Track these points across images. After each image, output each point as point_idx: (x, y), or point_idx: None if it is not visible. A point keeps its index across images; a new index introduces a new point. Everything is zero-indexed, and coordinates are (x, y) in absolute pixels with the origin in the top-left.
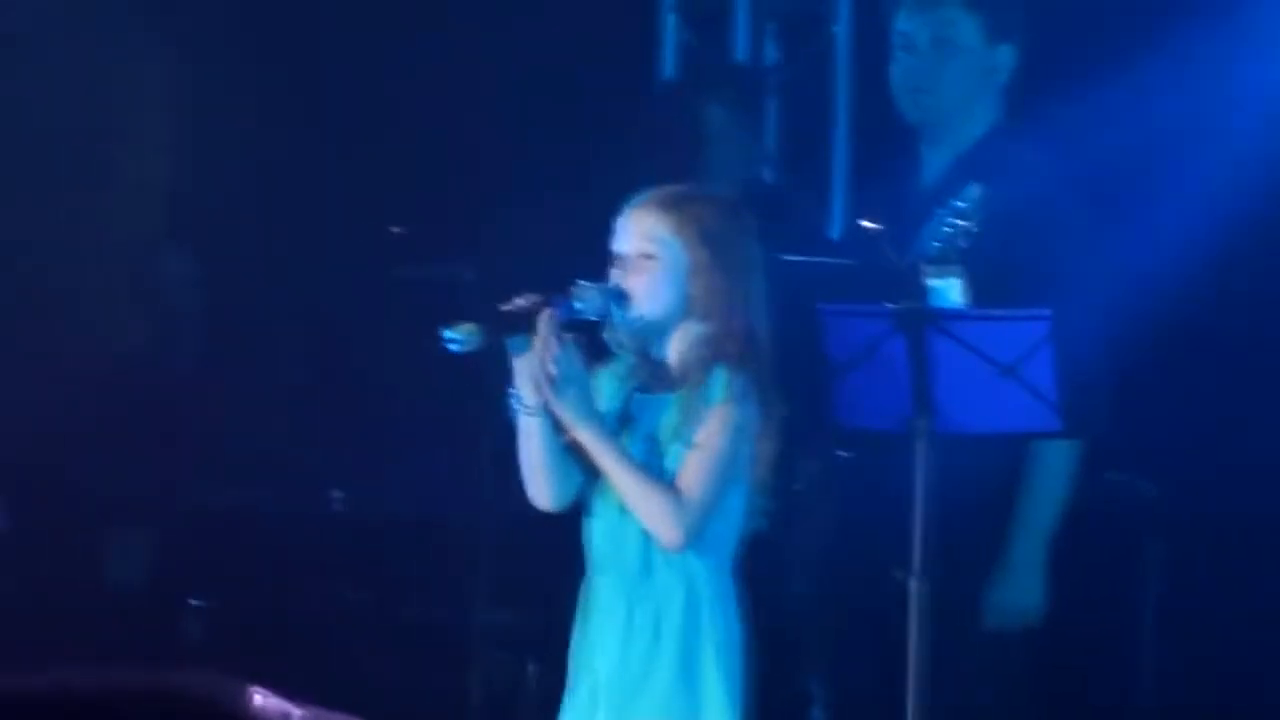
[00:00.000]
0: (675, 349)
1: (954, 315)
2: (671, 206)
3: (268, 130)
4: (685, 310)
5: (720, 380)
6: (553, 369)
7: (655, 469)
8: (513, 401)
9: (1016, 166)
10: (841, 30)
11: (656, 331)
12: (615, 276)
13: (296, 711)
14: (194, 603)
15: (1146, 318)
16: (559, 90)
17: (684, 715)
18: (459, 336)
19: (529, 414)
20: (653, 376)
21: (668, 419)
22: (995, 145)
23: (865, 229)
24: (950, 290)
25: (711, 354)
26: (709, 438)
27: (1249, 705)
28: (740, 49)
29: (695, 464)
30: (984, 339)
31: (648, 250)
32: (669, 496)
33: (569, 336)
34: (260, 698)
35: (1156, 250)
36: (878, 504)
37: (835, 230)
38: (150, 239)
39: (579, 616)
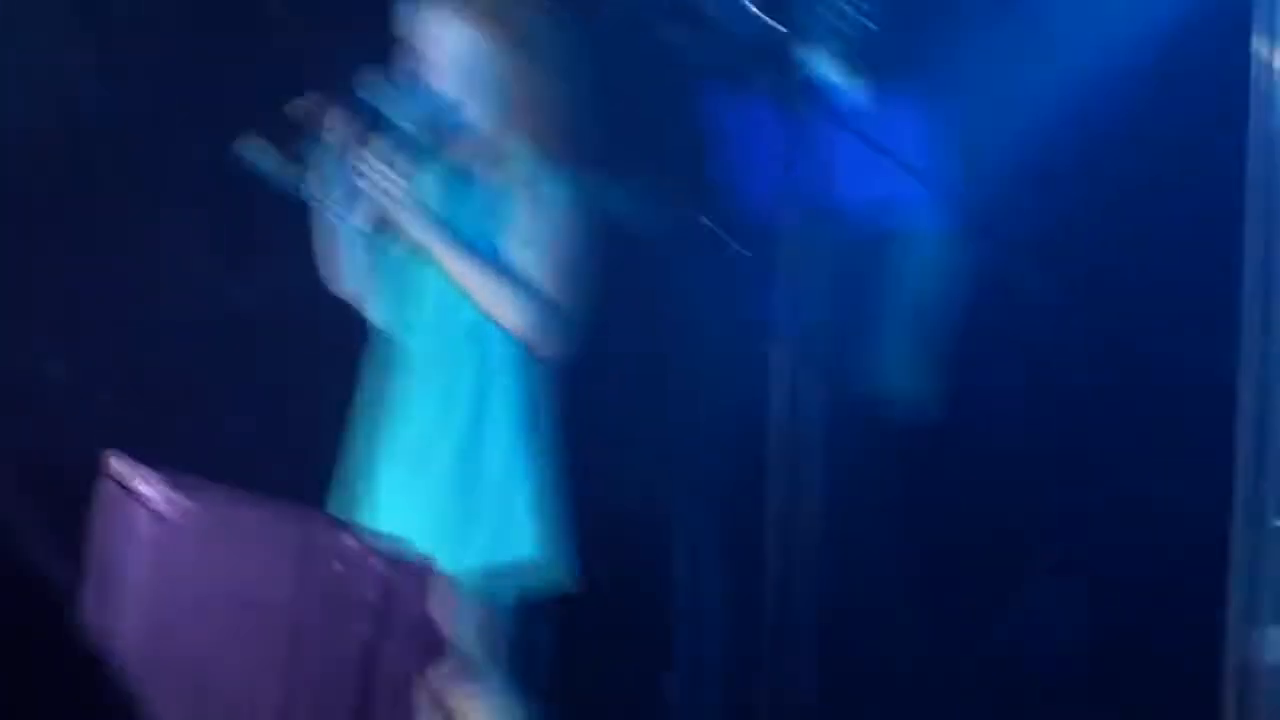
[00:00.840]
0: (488, 139)
1: (837, 97)
2: (476, 8)
3: None
4: (483, 97)
5: (525, 163)
6: (390, 182)
7: (471, 246)
8: (307, 197)
9: None
10: None
11: (451, 118)
12: (404, 65)
13: (158, 477)
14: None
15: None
16: None
17: (468, 476)
18: (253, 152)
19: (327, 205)
20: (441, 157)
21: (469, 201)
22: None
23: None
24: (836, 72)
25: (505, 136)
26: (546, 233)
27: None
28: None
29: (542, 259)
30: (868, 125)
31: (445, 44)
32: (537, 307)
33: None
34: (119, 463)
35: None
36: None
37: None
38: None
39: (382, 388)
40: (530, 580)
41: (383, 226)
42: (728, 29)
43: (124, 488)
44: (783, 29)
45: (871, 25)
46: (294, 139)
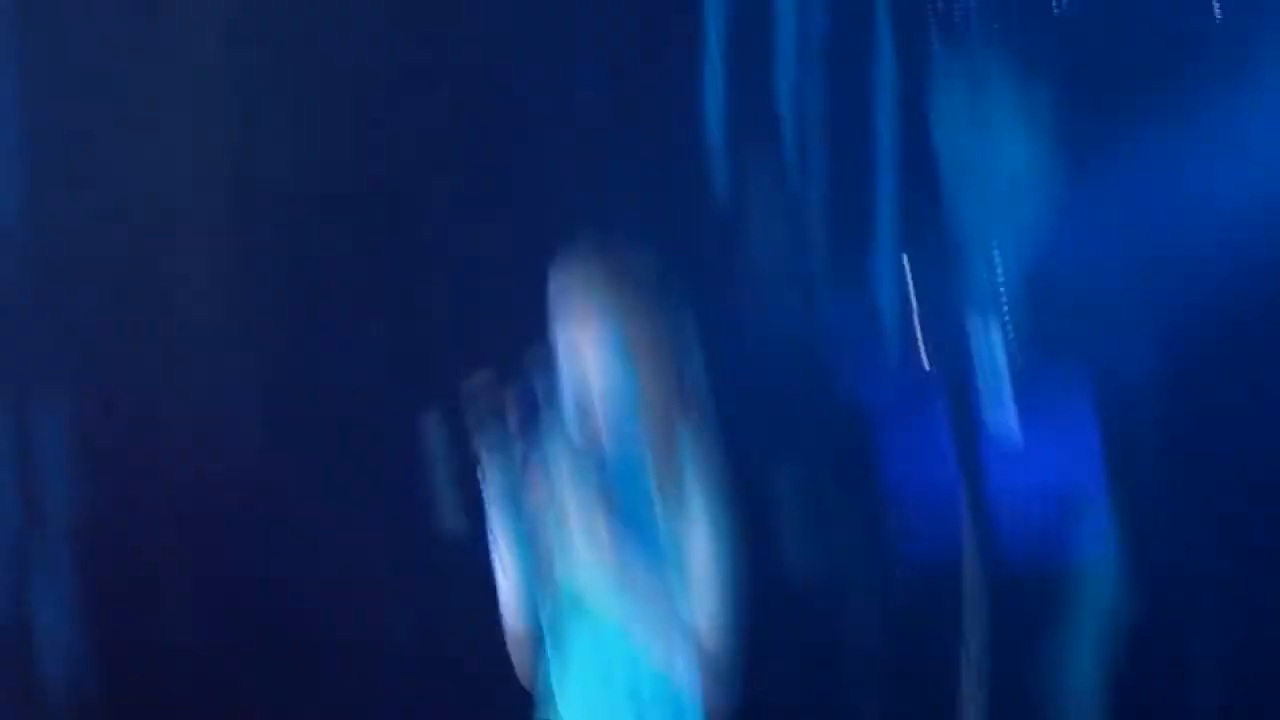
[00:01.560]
0: (635, 422)
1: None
2: (599, 278)
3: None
4: (632, 374)
5: (685, 447)
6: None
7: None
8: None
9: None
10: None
11: (610, 398)
12: (567, 342)
13: None
14: None
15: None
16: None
17: None
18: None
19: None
20: (602, 440)
21: (635, 489)
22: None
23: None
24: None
25: (670, 422)
26: (706, 521)
27: None
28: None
29: (706, 549)
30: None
31: (588, 324)
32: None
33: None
34: None
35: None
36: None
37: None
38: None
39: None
40: None
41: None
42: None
43: None
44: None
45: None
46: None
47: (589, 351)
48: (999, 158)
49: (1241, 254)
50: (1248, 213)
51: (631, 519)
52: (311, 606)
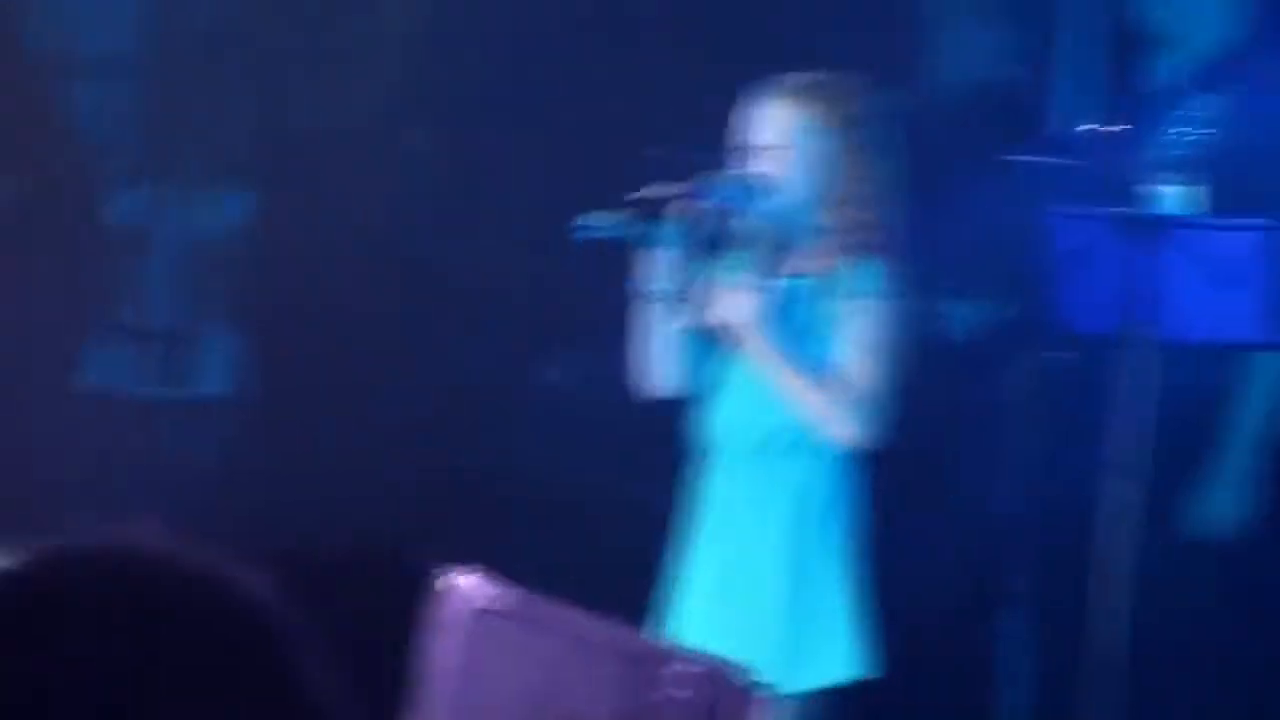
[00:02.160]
0: (810, 237)
1: (1179, 221)
2: (807, 94)
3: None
4: (823, 199)
5: (863, 272)
6: (731, 287)
7: (803, 357)
8: (647, 286)
9: (1257, 79)
10: None
11: (794, 221)
12: (750, 165)
13: (496, 590)
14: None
15: None
16: None
17: (795, 593)
18: (597, 223)
19: (664, 299)
20: (781, 264)
21: (803, 311)
22: (1237, 56)
23: (1095, 130)
24: (1177, 196)
25: (854, 243)
26: (865, 332)
27: None
28: None
29: (870, 359)
30: (1209, 247)
31: (784, 140)
32: (849, 395)
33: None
34: (463, 578)
35: None
36: (1088, 408)
37: (1060, 128)
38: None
39: (700, 492)
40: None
41: (707, 328)
42: (1070, 152)
43: (448, 585)
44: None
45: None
46: (641, 216)
47: (778, 158)
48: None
49: None
50: None
51: (796, 335)
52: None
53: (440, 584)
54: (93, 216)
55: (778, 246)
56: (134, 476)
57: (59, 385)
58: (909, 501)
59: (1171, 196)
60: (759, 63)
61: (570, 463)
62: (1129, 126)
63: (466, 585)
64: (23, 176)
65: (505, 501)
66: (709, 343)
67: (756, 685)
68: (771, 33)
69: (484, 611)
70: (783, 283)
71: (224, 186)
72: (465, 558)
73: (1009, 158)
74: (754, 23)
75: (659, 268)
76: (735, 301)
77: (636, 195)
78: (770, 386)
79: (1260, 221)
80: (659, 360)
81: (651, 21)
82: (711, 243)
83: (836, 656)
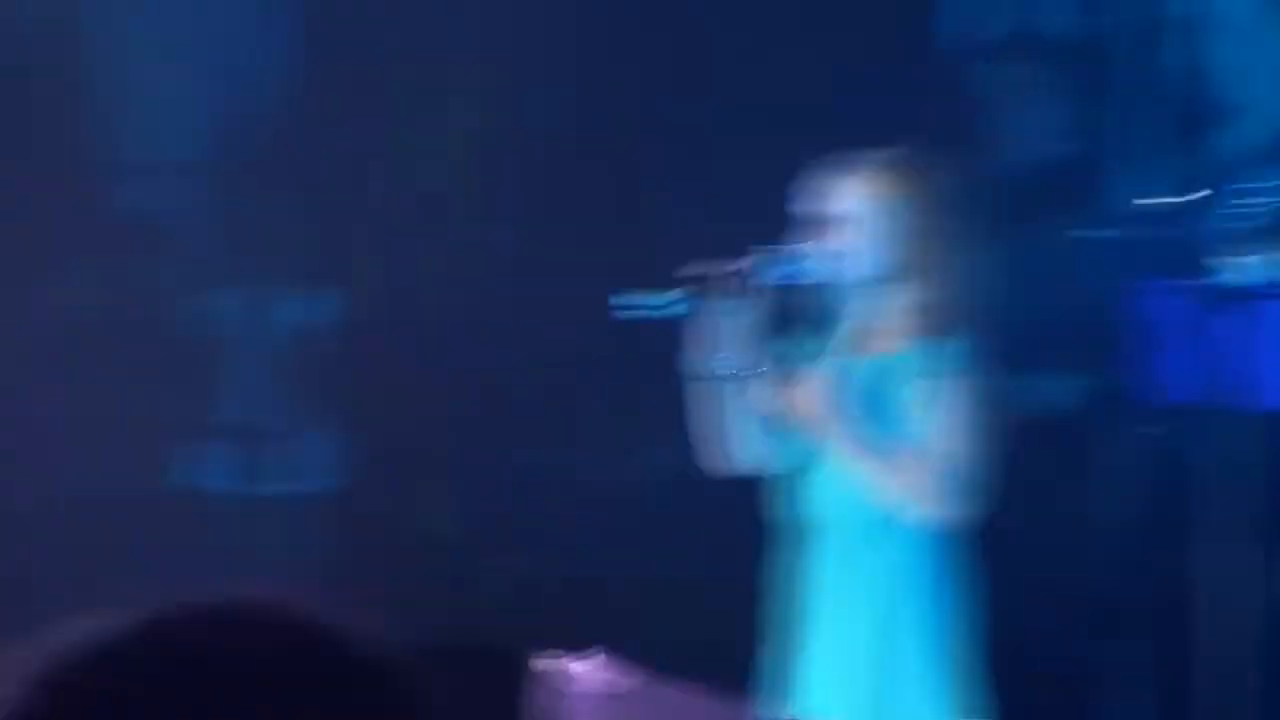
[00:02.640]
0: (885, 314)
1: (1262, 291)
2: (883, 168)
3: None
4: (898, 275)
5: (948, 350)
6: (819, 385)
7: (882, 437)
8: (717, 366)
9: None
10: None
11: (867, 295)
12: (827, 238)
13: (625, 678)
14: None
15: None
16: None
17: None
18: (666, 300)
19: (732, 379)
20: (858, 342)
21: (889, 385)
22: None
23: (1174, 202)
24: (1259, 265)
25: (929, 321)
26: (953, 412)
27: None
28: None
29: (950, 439)
30: None
31: (862, 212)
32: (931, 475)
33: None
34: (588, 663)
35: None
36: (1182, 479)
37: (1132, 203)
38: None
39: (807, 578)
40: None
41: (776, 406)
42: (1150, 225)
43: (562, 673)
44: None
45: None
46: (707, 294)
47: (853, 241)
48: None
49: None
50: None
51: (875, 415)
52: None
53: (558, 669)
54: (185, 319)
55: (852, 324)
56: (235, 573)
57: (153, 485)
58: (1012, 576)
59: (1253, 265)
60: (823, 137)
61: (664, 546)
62: (1207, 196)
63: (588, 669)
64: (113, 279)
65: (603, 585)
66: (780, 418)
67: None
68: (837, 109)
69: (610, 696)
70: (859, 362)
71: (314, 284)
72: (572, 644)
73: (1091, 232)
74: (820, 97)
75: (720, 344)
76: (807, 389)
77: (688, 272)
78: (842, 454)
79: None
80: (733, 439)
81: (715, 96)
82: (778, 317)
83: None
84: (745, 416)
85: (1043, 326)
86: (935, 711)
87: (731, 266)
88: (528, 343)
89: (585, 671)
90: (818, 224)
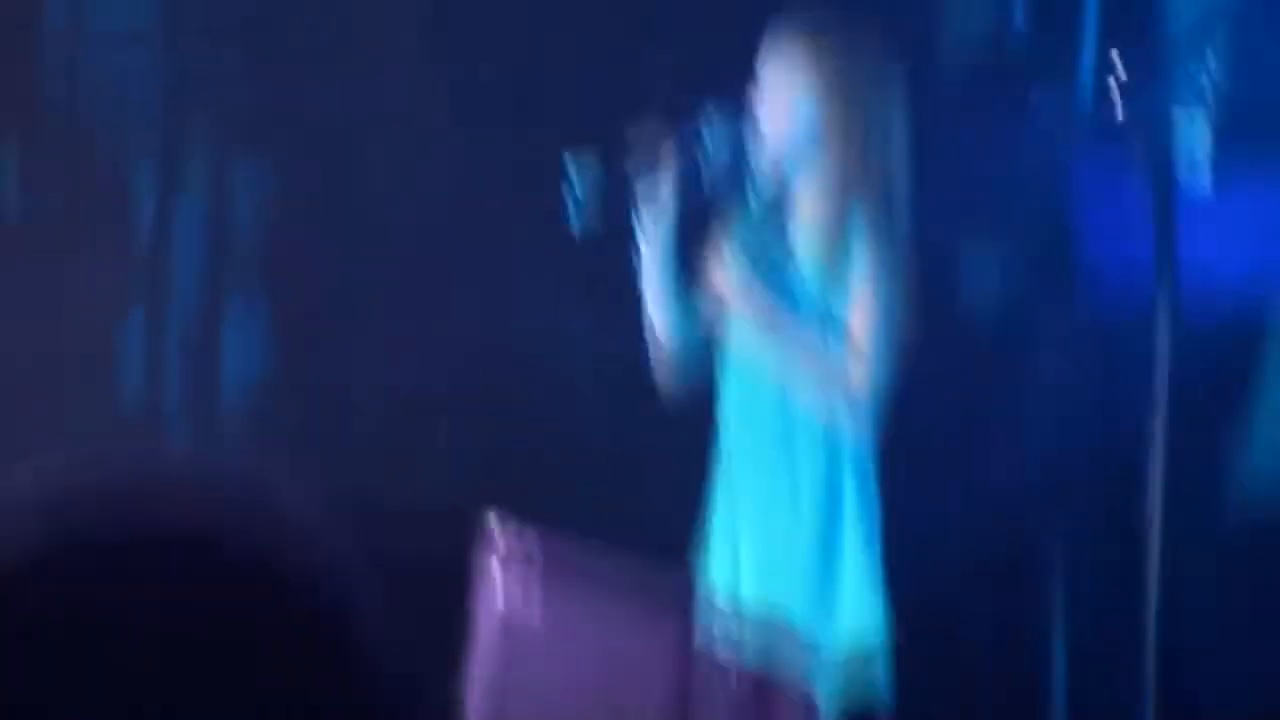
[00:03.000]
0: (808, 191)
1: (1203, 168)
2: (807, 42)
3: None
4: (818, 151)
5: (861, 227)
6: (723, 251)
7: (803, 314)
8: (636, 232)
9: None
10: None
11: (786, 171)
12: (750, 106)
13: (537, 548)
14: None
15: None
16: None
17: (824, 578)
18: (577, 164)
19: (650, 245)
20: (780, 219)
21: (805, 265)
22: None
23: (1116, 76)
24: (1200, 141)
25: (848, 199)
26: (870, 292)
27: None
28: None
29: (875, 316)
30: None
31: (782, 87)
32: (852, 360)
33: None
34: (502, 527)
35: None
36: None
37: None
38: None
39: (718, 473)
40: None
41: (701, 275)
42: (1092, 94)
43: (496, 543)
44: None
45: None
46: (629, 161)
47: (779, 115)
48: None
49: None
50: None
51: (790, 281)
52: None
53: (492, 538)
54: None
55: (775, 200)
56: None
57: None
58: (931, 460)
59: (1194, 141)
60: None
61: (607, 416)
62: (1149, 72)
63: (517, 538)
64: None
65: (542, 457)
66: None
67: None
68: None
69: (536, 562)
70: (782, 240)
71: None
72: (513, 513)
73: (1031, 103)
74: None
75: (649, 211)
76: (723, 264)
77: (629, 133)
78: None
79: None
80: (653, 307)
81: None
82: (703, 189)
83: (862, 617)
84: (671, 286)
85: (980, 199)
86: (865, 592)
87: (658, 131)
88: (469, 208)
89: (518, 540)
90: (751, 96)
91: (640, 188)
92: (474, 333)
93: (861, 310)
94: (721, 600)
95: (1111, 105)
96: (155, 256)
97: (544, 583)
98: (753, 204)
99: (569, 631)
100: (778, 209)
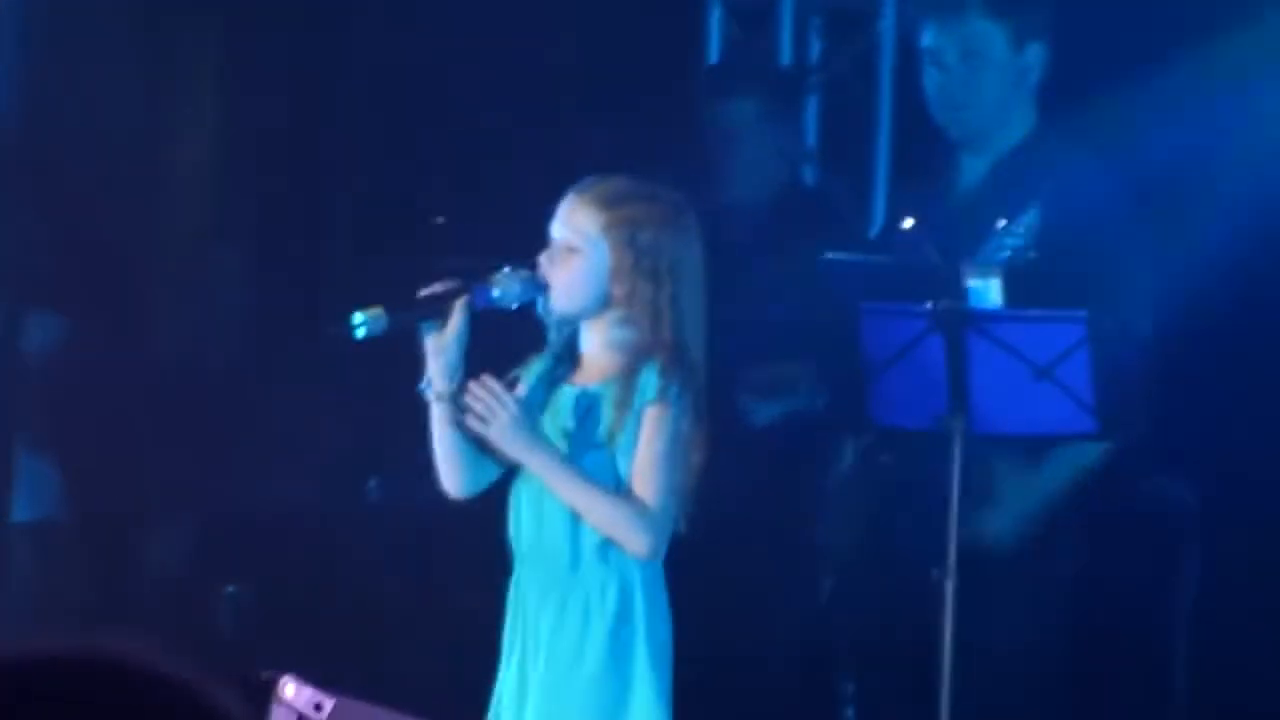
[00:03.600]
0: (595, 346)
1: (991, 316)
2: (606, 202)
3: (309, 125)
4: (606, 309)
5: (651, 381)
6: (491, 406)
7: (585, 467)
8: (424, 388)
9: (1054, 172)
10: (886, 27)
11: (572, 325)
12: (544, 262)
13: (328, 701)
14: (230, 589)
15: (1187, 320)
16: (601, 80)
17: (611, 708)
18: (367, 319)
19: (438, 400)
20: (573, 369)
21: (593, 416)
22: (1032, 151)
23: (906, 229)
24: (990, 291)
25: (635, 357)
26: (654, 441)
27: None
28: (785, 44)
29: (652, 470)
30: (1021, 340)
31: (574, 243)
32: (635, 509)
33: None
34: (292, 687)
35: (1195, 251)
36: (913, 505)
37: (875, 230)
38: (199, 237)
39: (509, 605)
40: None
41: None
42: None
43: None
44: (944, 260)
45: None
46: (413, 315)
47: (570, 268)
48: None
49: None
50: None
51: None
52: None
53: (271, 690)
54: None
55: (560, 352)
56: None
57: None
58: (733, 600)
59: (985, 291)
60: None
61: (395, 575)
62: (939, 225)
63: (291, 693)
64: None
65: (332, 614)
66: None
67: None
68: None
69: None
70: (566, 390)
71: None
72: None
73: (824, 257)
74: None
75: (437, 367)
76: (501, 417)
77: (420, 293)
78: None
79: (1070, 314)
80: (444, 462)
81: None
82: (492, 340)
83: None
84: (453, 439)
85: (771, 350)
86: None
87: (437, 288)
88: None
89: (292, 695)
90: (542, 249)
91: (430, 344)
92: (263, 492)
93: (646, 462)
94: None
95: (905, 260)
96: None
97: None
98: (543, 358)
99: None
100: (567, 358)
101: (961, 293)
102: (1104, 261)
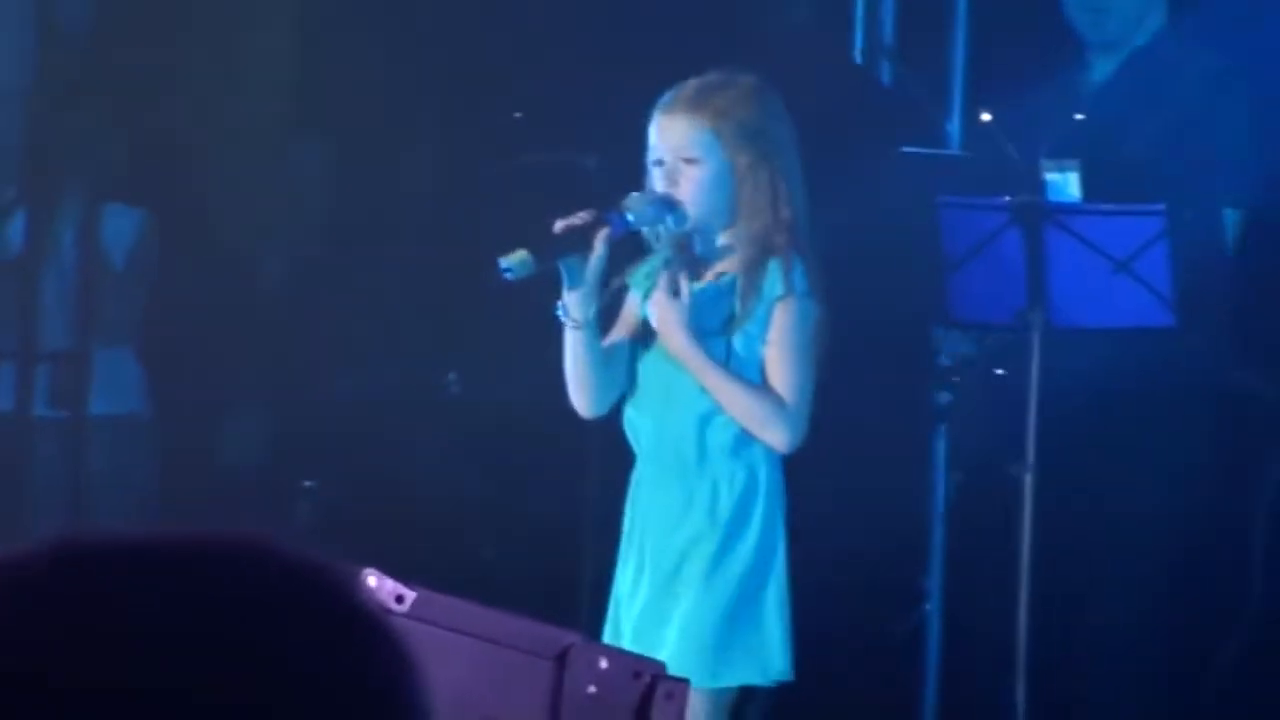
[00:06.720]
0: (714, 244)
1: (1070, 209)
2: (699, 104)
3: (393, 21)
4: (734, 208)
5: (777, 274)
6: (666, 295)
7: (726, 362)
8: (560, 315)
9: (1174, 70)
10: None
11: (709, 233)
12: (657, 183)
13: (410, 594)
14: (308, 484)
15: (1271, 214)
16: None
17: (725, 596)
18: (513, 264)
19: (575, 328)
20: (698, 272)
21: (717, 311)
22: (1159, 50)
23: (983, 123)
24: (1068, 185)
25: (764, 249)
26: (788, 334)
27: None
28: None
29: (788, 364)
30: (1099, 233)
31: (689, 154)
32: (775, 402)
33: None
34: (374, 579)
35: None
36: (996, 401)
37: (954, 125)
38: (280, 132)
39: (630, 500)
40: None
41: (636, 341)
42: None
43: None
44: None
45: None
46: (556, 253)
47: (688, 175)
48: None
49: None
50: None
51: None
52: None
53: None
54: None
55: (693, 256)
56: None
57: None
58: (821, 502)
59: (1064, 184)
60: (654, 71)
61: (473, 469)
62: (1022, 116)
63: (373, 585)
64: None
65: (410, 509)
66: (634, 357)
67: (676, 681)
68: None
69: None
70: (702, 288)
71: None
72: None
73: (901, 150)
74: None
75: (576, 297)
76: (660, 307)
77: (555, 229)
78: (695, 394)
79: (1149, 207)
80: (576, 384)
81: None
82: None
83: (760, 658)
84: (591, 363)
85: (854, 247)
86: (765, 635)
87: (575, 220)
88: (346, 267)
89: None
90: (652, 166)
91: (569, 275)
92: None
93: (782, 354)
94: (602, 646)
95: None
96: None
97: (412, 631)
98: (675, 260)
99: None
100: (698, 261)
101: (1039, 186)
102: (1195, 156)
